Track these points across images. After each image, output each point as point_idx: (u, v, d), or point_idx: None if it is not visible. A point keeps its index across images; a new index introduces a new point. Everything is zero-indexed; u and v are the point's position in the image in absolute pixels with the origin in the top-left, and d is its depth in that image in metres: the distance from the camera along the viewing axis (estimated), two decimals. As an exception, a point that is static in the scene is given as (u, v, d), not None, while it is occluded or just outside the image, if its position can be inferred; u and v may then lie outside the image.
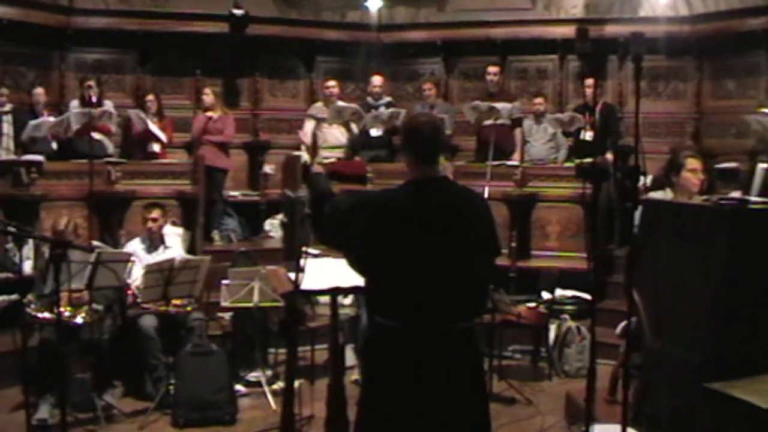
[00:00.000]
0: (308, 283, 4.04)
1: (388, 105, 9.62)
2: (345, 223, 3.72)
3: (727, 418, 3.11)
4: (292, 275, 5.06)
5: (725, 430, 3.19)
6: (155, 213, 6.99)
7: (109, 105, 8.69)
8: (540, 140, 9.21)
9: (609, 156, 8.56)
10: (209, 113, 9.14)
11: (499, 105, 8.73)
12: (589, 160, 8.10)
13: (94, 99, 8.43)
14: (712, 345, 3.96)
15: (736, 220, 3.90)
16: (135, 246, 6.95)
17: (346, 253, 3.63)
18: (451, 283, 3.43)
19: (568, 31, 9.63)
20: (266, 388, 6.44)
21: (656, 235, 4.60)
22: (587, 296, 7.65)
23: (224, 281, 6.50)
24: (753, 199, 4.38)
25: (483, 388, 3.69)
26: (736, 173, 7.58)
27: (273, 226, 9.42)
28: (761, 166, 4.65)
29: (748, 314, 3.85)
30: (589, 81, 8.86)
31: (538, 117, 9.27)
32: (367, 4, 10.48)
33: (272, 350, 7.12)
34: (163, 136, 8.95)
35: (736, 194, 4.79)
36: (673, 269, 4.39)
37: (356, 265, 3.60)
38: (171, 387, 6.12)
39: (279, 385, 6.38)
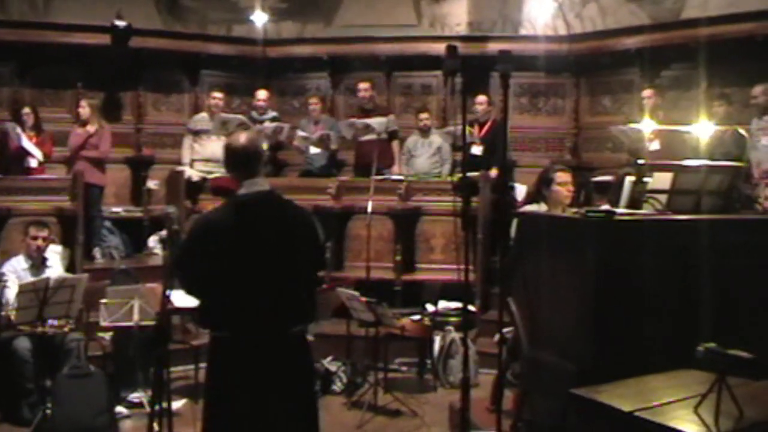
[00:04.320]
0: (181, 300, 4.01)
1: (273, 119, 9.62)
2: (182, 248, 3.90)
3: (594, 423, 3.21)
4: (171, 293, 5.00)
5: (593, 434, 3.29)
6: (44, 231, 6.79)
7: (-19, 117, 8.38)
8: (425, 154, 9.35)
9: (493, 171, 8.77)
10: (87, 127, 8.87)
11: (374, 120, 8.84)
12: (474, 174, 8.29)
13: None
14: (584, 352, 4.09)
15: (603, 230, 4.05)
16: (15, 265, 6.71)
17: (180, 275, 3.85)
18: (275, 293, 3.68)
19: (452, 48, 9.82)
20: (148, 409, 6.29)
21: (530, 246, 4.74)
22: (471, 307, 7.79)
23: (102, 300, 6.33)
24: (619, 210, 4.55)
25: (312, 388, 4.09)
26: (610, 186, 7.86)
27: (156, 243, 9.24)
28: (628, 179, 4.82)
29: (618, 321, 4.00)
30: (481, 98, 9.08)
31: (424, 132, 9.41)
32: (253, 18, 10.44)
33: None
34: (37, 152, 8.64)
35: (605, 206, 4.95)
36: (546, 279, 4.52)
37: (187, 284, 3.82)
38: (48, 411, 5.91)
39: (163, 404, 6.24)
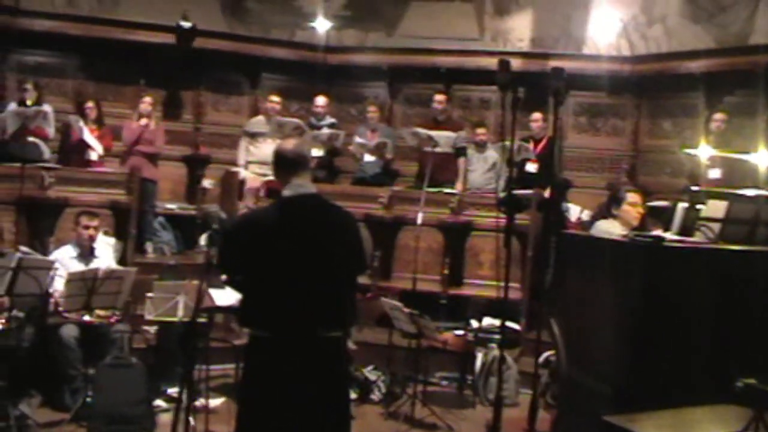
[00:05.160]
0: (224, 299, 4.05)
1: (331, 125, 9.65)
2: (223, 245, 4.00)
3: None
4: (213, 291, 5.06)
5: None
6: (94, 221, 6.91)
7: (47, 107, 8.55)
8: (480, 169, 9.29)
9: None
10: (143, 121, 9.03)
11: (443, 134, 8.76)
12: (527, 191, 8.23)
13: (29, 102, 8.31)
14: (621, 376, 4.02)
15: (650, 256, 3.98)
16: (65, 253, 6.83)
17: (225, 271, 3.93)
18: (315, 295, 3.72)
19: (514, 63, 9.72)
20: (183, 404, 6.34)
21: (575, 267, 4.68)
22: (516, 326, 7.72)
23: (148, 294, 6.41)
24: (668, 236, 4.47)
25: (347, 393, 4.12)
26: (666, 211, 7.74)
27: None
28: (681, 205, 4.74)
29: (658, 348, 3.93)
30: (536, 115, 9.01)
31: (480, 146, 9.36)
32: (315, 24, 10.51)
33: (199, 367, 7.04)
34: (97, 145, 8.79)
35: (657, 232, 4.87)
36: (589, 301, 4.46)
37: (232, 281, 3.89)
38: (89, 399, 6.00)
39: (201, 401, 6.30)
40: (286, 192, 3.85)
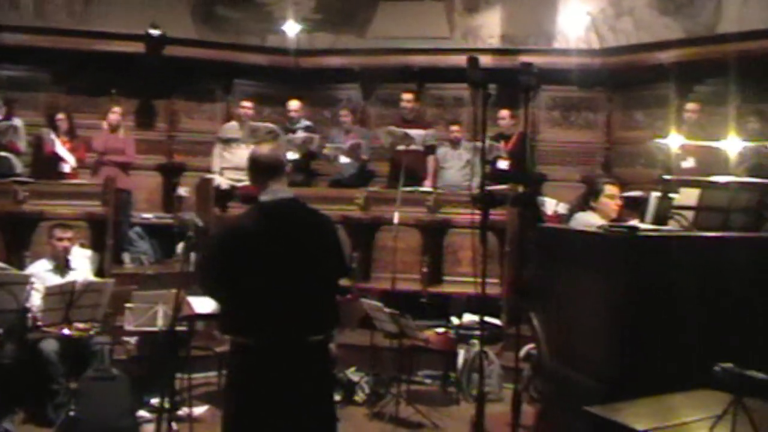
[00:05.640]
0: (204, 306, 4.04)
1: (306, 129, 9.64)
2: (205, 254, 3.99)
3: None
4: (192, 299, 5.05)
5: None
6: (68, 233, 6.88)
7: (16, 121, 8.49)
8: (455, 167, 9.32)
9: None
10: (115, 132, 9.01)
11: (413, 132, 8.81)
12: (502, 187, 8.27)
13: (0, 116, 8.25)
14: (605, 368, 4.04)
15: (625, 247, 4.01)
16: (40, 267, 6.79)
17: (202, 280, 3.92)
18: (299, 300, 3.70)
19: (485, 60, 9.79)
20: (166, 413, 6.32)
21: (553, 260, 4.70)
22: (497, 321, 7.76)
23: (128, 305, 6.39)
24: (643, 226, 4.51)
25: (331, 397, 4.10)
26: (642, 201, 7.81)
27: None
28: (654, 194, 4.78)
29: (640, 337, 3.95)
30: (504, 112, 9.06)
31: (454, 144, 9.40)
32: (285, 28, 10.50)
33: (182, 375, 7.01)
34: (70, 158, 8.74)
35: (633, 222, 4.91)
36: (568, 294, 4.49)
37: (209, 288, 3.88)
38: (72, 413, 5.96)
39: (185, 410, 6.28)
40: (264, 197, 3.83)
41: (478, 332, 7.44)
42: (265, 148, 3.97)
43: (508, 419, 5.81)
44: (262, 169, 3.86)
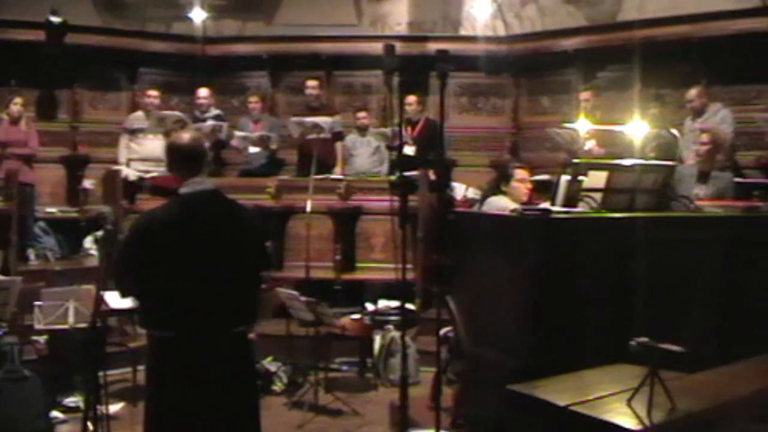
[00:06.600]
0: (119, 301, 3.95)
1: (216, 117, 9.51)
2: (124, 248, 3.83)
3: (530, 418, 3.26)
4: (107, 294, 4.94)
5: (530, 429, 3.34)
6: None
7: None
8: (364, 154, 9.36)
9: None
10: (16, 124, 8.70)
11: (321, 120, 8.80)
12: (412, 173, 8.33)
13: None
14: (523, 348, 4.14)
15: (539, 228, 4.11)
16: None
17: (120, 275, 3.79)
18: (220, 292, 3.67)
19: (392, 47, 9.85)
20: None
21: (468, 244, 4.79)
22: (411, 306, 7.83)
23: (37, 303, 6.20)
24: (555, 208, 4.62)
25: (254, 388, 4.07)
26: (550, 185, 7.98)
27: (92, 243, 9.07)
28: (564, 177, 4.90)
29: (555, 317, 4.06)
30: (411, 98, 9.11)
31: (362, 131, 9.42)
32: (191, 15, 10.32)
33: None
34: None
35: (544, 205, 5.03)
36: (485, 276, 4.58)
37: (126, 284, 3.77)
38: (-19, 416, 5.77)
39: (100, 409, 6.13)
40: (184, 189, 3.73)
41: (393, 317, 7.55)
42: (185, 137, 3.87)
43: (427, 402, 5.92)
44: (182, 159, 3.76)
